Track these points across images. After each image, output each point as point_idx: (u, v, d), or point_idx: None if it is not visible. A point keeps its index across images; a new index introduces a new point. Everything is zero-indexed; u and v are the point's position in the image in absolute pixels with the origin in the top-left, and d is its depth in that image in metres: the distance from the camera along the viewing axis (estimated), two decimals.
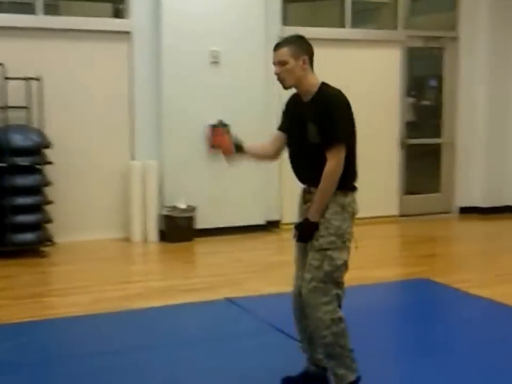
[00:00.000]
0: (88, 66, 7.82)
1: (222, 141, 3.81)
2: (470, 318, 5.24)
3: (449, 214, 9.76)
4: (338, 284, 3.62)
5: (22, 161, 7.03)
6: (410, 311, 5.49)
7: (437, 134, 9.87)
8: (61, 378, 4.08)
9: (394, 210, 9.31)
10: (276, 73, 3.62)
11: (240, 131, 8.37)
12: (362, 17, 9.60)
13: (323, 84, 3.63)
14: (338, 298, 3.64)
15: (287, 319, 4.92)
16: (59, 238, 7.42)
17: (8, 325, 5.01)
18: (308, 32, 8.57)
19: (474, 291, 5.88)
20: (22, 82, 7.26)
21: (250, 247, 7.69)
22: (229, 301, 5.55)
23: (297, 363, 4.01)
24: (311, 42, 9.97)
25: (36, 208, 7.11)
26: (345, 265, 3.61)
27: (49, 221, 7.27)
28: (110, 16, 8.48)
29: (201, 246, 7.75)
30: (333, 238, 3.54)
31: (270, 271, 6.65)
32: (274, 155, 3.95)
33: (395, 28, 9.41)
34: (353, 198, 3.63)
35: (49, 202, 7.27)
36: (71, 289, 5.97)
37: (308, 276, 3.58)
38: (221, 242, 7.84)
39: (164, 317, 5.27)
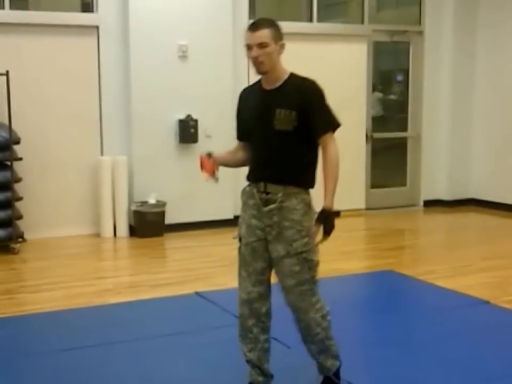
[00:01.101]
0: (56, 61, 7.85)
1: (207, 167, 3.69)
2: (433, 309, 5.40)
3: (415, 207, 9.96)
4: (316, 280, 3.59)
5: None
6: (376, 303, 5.66)
7: (403, 128, 10.06)
8: (33, 374, 4.14)
9: (361, 204, 9.47)
10: (254, 57, 3.40)
11: (209, 125, 8.52)
12: (329, 12, 9.73)
13: (292, 72, 3.54)
14: (318, 291, 3.63)
15: None
16: (29, 235, 7.50)
17: None
18: None
19: (438, 282, 6.05)
20: None
21: (219, 242, 7.75)
22: (199, 295, 5.67)
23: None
24: None
25: (6, 205, 7.13)
26: (318, 264, 3.58)
27: (19, 217, 7.31)
28: (78, 11, 8.51)
29: (171, 241, 7.83)
30: (306, 240, 3.49)
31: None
32: (247, 162, 3.74)
33: (362, 22, 9.53)
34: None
35: (19, 199, 7.31)
36: (43, 285, 6.03)
37: (290, 282, 3.51)
38: (190, 237, 7.93)
39: (135, 311, 5.36)
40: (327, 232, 3.46)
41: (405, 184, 10.09)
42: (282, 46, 3.47)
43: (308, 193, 3.57)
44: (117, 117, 8.09)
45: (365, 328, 5.11)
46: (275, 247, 3.51)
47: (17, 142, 7.26)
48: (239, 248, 3.65)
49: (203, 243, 7.75)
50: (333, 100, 10.05)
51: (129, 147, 8.07)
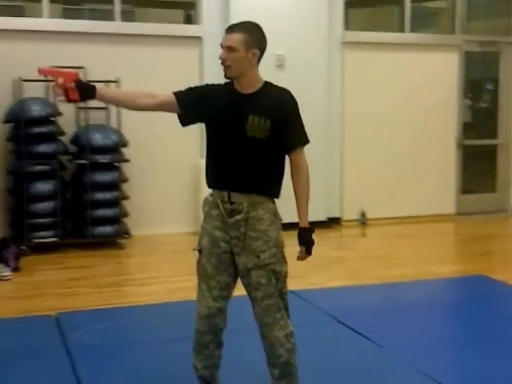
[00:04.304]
0: (162, 69, 7.94)
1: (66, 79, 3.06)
2: None
3: (504, 213, 9.61)
4: (285, 294, 3.31)
5: (102, 158, 7.18)
6: (467, 306, 5.46)
7: (493, 135, 9.73)
8: (138, 363, 4.16)
9: (451, 209, 9.22)
10: (221, 58, 3.14)
11: None
12: (420, 22, 9.54)
13: (267, 81, 3.24)
14: (287, 308, 3.35)
15: (349, 312, 5.02)
16: (135, 231, 7.57)
17: (90, 311, 5.16)
18: (368, 36, 8.66)
19: None
20: (101, 84, 7.43)
21: None
22: (293, 293, 5.58)
23: (359, 354, 4.10)
24: (371, 46, 9.82)
25: (113, 203, 7.26)
26: (287, 275, 3.32)
27: (126, 215, 7.42)
28: (182, 22, 8.61)
29: None
30: (274, 250, 3.24)
31: (331, 265, 6.66)
32: (153, 107, 3.31)
33: (452, 32, 9.30)
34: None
35: (126, 198, 7.42)
36: (147, 279, 6.09)
37: (257, 294, 3.22)
38: (284, 238, 7.85)
39: (232, 306, 5.32)
40: (309, 251, 3.32)
41: (494, 191, 9.76)
42: (254, 55, 3.13)
43: (274, 203, 3.28)
44: None
45: (455, 331, 4.94)
46: (242, 259, 3.20)
47: (125, 145, 7.39)
48: (199, 260, 3.32)
49: (295, 243, 7.63)
50: (423, 108, 9.91)
51: None
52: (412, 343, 4.45)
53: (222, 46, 3.15)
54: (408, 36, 8.99)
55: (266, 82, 3.23)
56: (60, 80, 3.04)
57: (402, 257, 7.03)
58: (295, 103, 3.21)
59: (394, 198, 8.89)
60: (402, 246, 7.54)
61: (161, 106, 3.29)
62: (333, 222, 8.53)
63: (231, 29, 3.16)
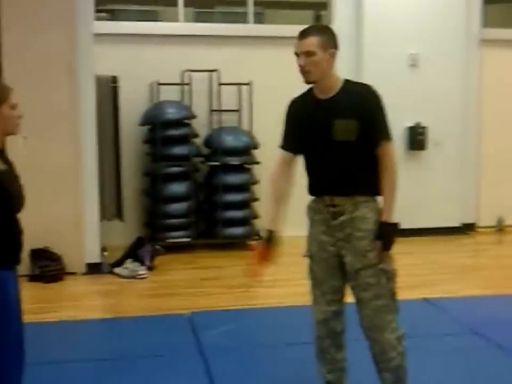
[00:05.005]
0: (292, 71, 7.97)
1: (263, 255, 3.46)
2: None
3: None
4: (395, 294, 3.21)
5: (233, 160, 7.32)
6: None
7: None
8: (268, 365, 4.20)
9: None
10: (300, 65, 3.10)
11: (438, 134, 8.24)
12: None
13: (346, 79, 3.21)
14: (397, 310, 3.24)
15: (486, 322, 4.83)
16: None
17: (221, 311, 5.26)
18: (507, 33, 8.31)
19: None
20: (233, 87, 7.60)
21: (446, 249, 7.49)
22: (427, 301, 5.46)
23: (497, 368, 3.96)
24: (510, 43, 9.42)
25: (244, 205, 7.38)
26: (396, 273, 3.22)
27: (256, 217, 7.50)
28: (311, 23, 8.59)
29: (397, 246, 7.63)
30: None
31: (466, 273, 6.47)
32: (291, 172, 3.36)
33: None
34: None
35: (256, 200, 7.50)
36: (275, 281, 6.08)
37: (366, 295, 3.16)
38: (416, 243, 7.61)
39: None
40: (387, 247, 3.14)
41: None
42: (332, 55, 3.12)
43: (376, 201, 3.20)
44: None
45: None
46: (349, 260, 3.17)
47: (256, 147, 7.47)
48: (310, 266, 3.35)
49: (428, 249, 7.50)
50: None
51: None
52: None
53: (297, 53, 3.12)
54: None
55: (345, 81, 3.20)
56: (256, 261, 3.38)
57: None
58: (377, 98, 3.17)
59: None
60: None
61: (292, 164, 3.34)
62: (467, 228, 8.30)
63: (304, 34, 3.11)
